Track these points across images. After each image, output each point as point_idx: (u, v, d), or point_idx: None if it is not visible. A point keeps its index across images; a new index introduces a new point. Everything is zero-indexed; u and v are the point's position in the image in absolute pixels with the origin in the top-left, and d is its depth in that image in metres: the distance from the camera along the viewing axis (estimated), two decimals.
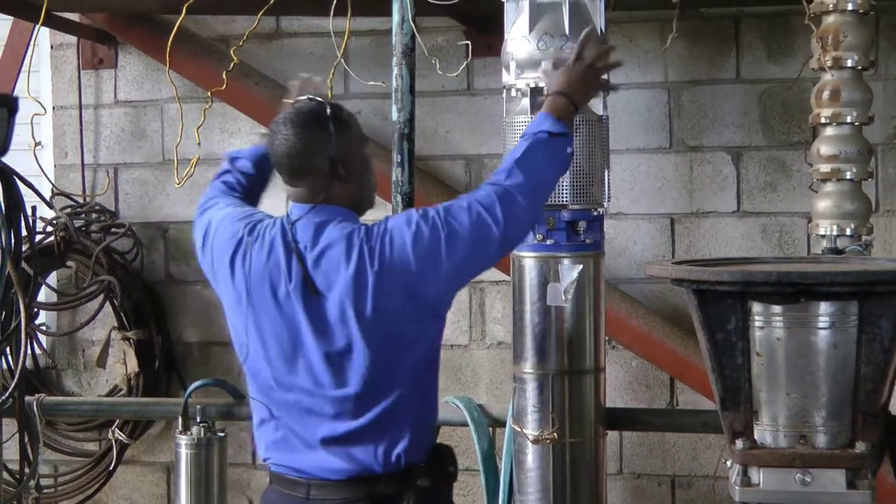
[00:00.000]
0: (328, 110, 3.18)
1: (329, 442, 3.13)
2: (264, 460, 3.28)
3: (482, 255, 3.17)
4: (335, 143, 3.15)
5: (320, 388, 3.11)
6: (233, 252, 3.22)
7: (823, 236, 4.25)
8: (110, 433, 5.71)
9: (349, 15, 4.08)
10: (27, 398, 4.43)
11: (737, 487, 3.23)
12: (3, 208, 3.89)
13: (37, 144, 4.93)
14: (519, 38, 3.72)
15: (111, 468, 5.78)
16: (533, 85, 3.69)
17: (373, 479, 3.12)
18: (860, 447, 3.18)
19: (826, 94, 4.27)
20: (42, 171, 5.38)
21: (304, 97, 3.25)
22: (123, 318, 5.77)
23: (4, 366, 4.13)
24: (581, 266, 3.77)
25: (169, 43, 4.52)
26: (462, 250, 3.10)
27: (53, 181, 5.84)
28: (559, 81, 3.40)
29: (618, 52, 3.62)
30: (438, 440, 3.35)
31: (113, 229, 5.78)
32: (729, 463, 3.31)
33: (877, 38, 4.99)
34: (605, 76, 3.53)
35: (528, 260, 3.81)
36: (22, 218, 3.96)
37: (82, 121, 5.97)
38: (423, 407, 3.21)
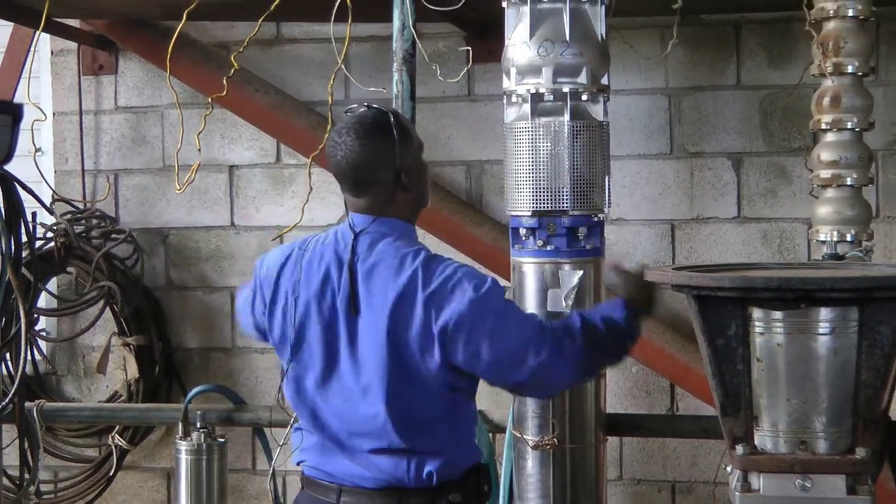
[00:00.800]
0: (391, 118, 3.07)
1: (360, 453, 3.07)
2: (298, 463, 3.23)
3: (505, 372, 3.03)
4: (399, 153, 3.05)
5: (352, 402, 3.05)
6: (282, 265, 3.14)
7: (824, 242, 4.24)
8: (110, 439, 5.70)
9: (350, 21, 4.08)
10: (27, 404, 4.44)
11: (737, 493, 3.22)
12: (4, 214, 3.90)
13: (37, 150, 4.92)
14: (519, 43, 3.72)
15: (111, 474, 5.77)
16: (533, 91, 3.69)
17: (404, 491, 3.07)
18: (860, 453, 3.17)
19: (826, 100, 4.27)
20: (42, 177, 5.36)
21: (363, 104, 3.13)
22: (124, 324, 5.76)
23: (4, 371, 4.14)
24: (581, 272, 3.76)
25: (169, 49, 4.53)
26: (494, 353, 2.97)
27: (54, 187, 5.83)
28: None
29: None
30: None
31: (113, 235, 5.78)
32: (729, 468, 3.30)
33: (877, 44, 5.00)
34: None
35: (528, 266, 3.80)
36: (22, 224, 3.97)
37: (83, 127, 5.97)
38: (458, 435, 3.13)
